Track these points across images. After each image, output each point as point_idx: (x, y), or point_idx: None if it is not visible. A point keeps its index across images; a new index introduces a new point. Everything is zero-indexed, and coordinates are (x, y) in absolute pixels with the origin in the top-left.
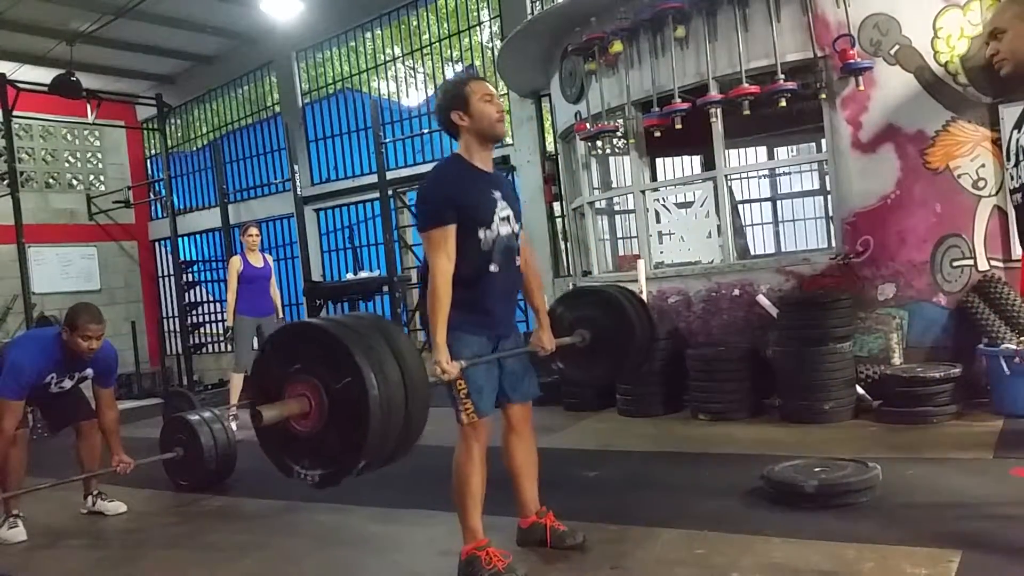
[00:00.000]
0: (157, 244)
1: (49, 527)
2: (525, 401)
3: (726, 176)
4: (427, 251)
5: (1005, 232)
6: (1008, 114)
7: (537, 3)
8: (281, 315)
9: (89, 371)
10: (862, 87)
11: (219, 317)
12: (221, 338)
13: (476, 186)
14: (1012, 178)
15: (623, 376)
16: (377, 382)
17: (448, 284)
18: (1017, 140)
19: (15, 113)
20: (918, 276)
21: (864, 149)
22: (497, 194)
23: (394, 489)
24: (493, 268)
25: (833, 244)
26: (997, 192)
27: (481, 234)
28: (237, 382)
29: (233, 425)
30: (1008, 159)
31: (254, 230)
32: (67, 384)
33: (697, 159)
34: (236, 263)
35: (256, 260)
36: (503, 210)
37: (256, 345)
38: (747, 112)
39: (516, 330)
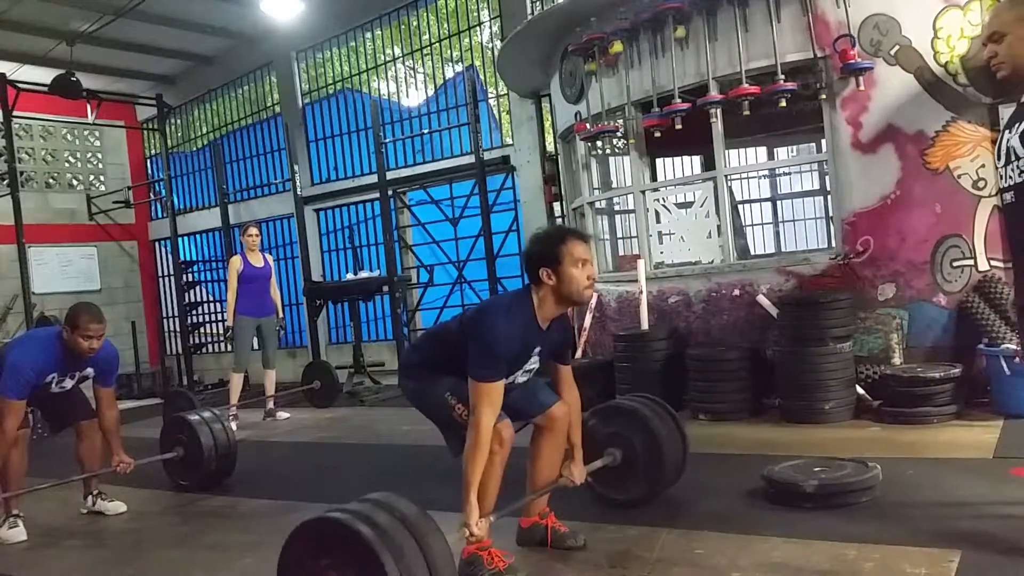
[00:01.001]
0: (157, 244)
1: (49, 527)
2: (545, 410)
3: (726, 176)
4: (473, 399)
5: (1005, 232)
6: (1007, 114)
7: (537, 3)
8: (281, 315)
9: (90, 371)
10: (862, 87)
11: (219, 317)
12: (221, 338)
13: (526, 344)
14: (1002, 178)
15: (658, 493)
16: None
17: (488, 440)
18: (1008, 140)
19: (15, 113)
20: (918, 276)
21: (864, 149)
22: (538, 349)
23: (394, 489)
24: None
25: (833, 244)
26: (997, 192)
27: None
28: (237, 382)
29: (233, 425)
30: (999, 159)
31: (254, 230)
32: (68, 384)
33: (697, 159)
34: (236, 263)
35: (256, 260)
36: (532, 363)
37: (256, 345)
38: (747, 112)
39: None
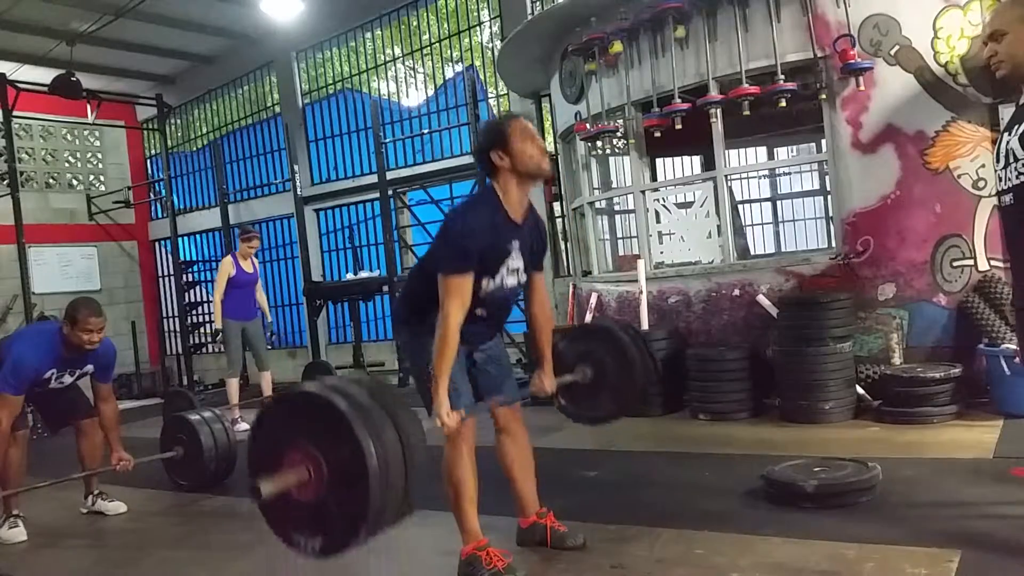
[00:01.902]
0: (157, 244)
1: (49, 527)
2: (510, 404)
3: (726, 176)
4: (442, 295)
5: (1003, 234)
6: (1007, 115)
7: (537, 3)
8: (270, 319)
9: (89, 367)
10: (862, 87)
11: (212, 318)
12: (209, 339)
13: (499, 236)
14: (1001, 180)
15: (625, 411)
16: (375, 450)
17: (458, 333)
18: (1008, 142)
19: (15, 113)
20: (918, 276)
21: (864, 149)
22: (516, 243)
23: None
24: (479, 312)
25: (833, 244)
26: (996, 194)
27: (484, 282)
28: (234, 386)
29: (244, 425)
30: (998, 161)
31: (256, 242)
32: (67, 380)
33: (697, 159)
34: (228, 267)
35: (247, 266)
36: (515, 260)
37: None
38: (747, 112)
39: (496, 336)
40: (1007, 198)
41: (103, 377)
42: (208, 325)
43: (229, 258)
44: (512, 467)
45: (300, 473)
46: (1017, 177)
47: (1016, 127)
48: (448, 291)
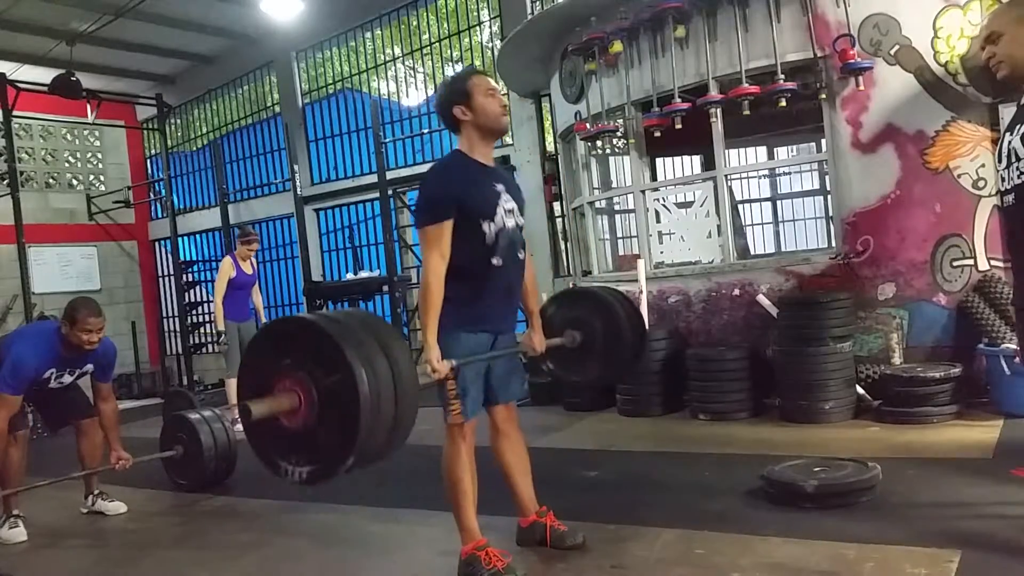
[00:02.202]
0: (157, 244)
1: (49, 527)
2: (509, 402)
3: (726, 176)
4: (421, 247)
5: (1004, 235)
6: (1008, 115)
7: (537, 3)
8: (264, 320)
9: (89, 366)
10: (862, 87)
11: (212, 318)
12: (210, 339)
13: (478, 179)
14: (1003, 180)
15: (613, 377)
16: (367, 377)
17: (440, 282)
18: (1010, 142)
19: (15, 113)
20: (918, 276)
21: (864, 149)
22: (500, 187)
23: (394, 489)
24: (496, 262)
25: (833, 244)
26: (997, 193)
27: (485, 227)
28: (233, 386)
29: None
30: (1000, 161)
31: (256, 244)
32: (67, 379)
33: (697, 159)
34: (228, 269)
35: (247, 267)
36: (507, 202)
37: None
38: (747, 112)
39: (513, 329)
40: (1009, 198)
41: (103, 377)
42: (208, 326)
43: (229, 259)
44: (510, 468)
45: (291, 399)
46: (1019, 177)
47: (1018, 127)
48: (427, 242)
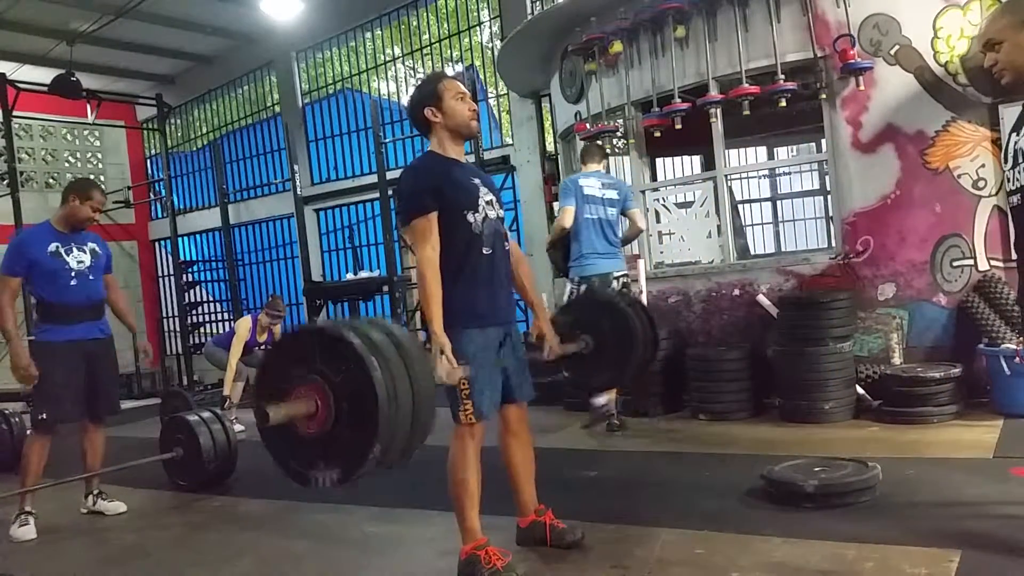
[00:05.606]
0: (157, 244)
1: (49, 527)
2: (523, 401)
3: (726, 176)
4: (412, 242)
5: (1005, 232)
6: (1008, 115)
7: (537, 3)
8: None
9: (92, 244)
10: (862, 87)
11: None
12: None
13: (454, 172)
14: (1010, 180)
15: (626, 380)
16: (380, 367)
17: (437, 272)
18: (1016, 143)
19: (15, 113)
20: (918, 276)
21: (864, 149)
22: (477, 180)
23: (394, 489)
24: (486, 251)
25: (833, 244)
26: (997, 192)
27: (470, 217)
28: (237, 388)
29: (240, 427)
30: (1006, 161)
31: (279, 323)
32: (84, 258)
33: (697, 159)
34: (245, 333)
35: (260, 335)
36: (486, 194)
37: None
38: (747, 112)
39: (516, 325)
40: (1016, 198)
41: (107, 266)
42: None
43: (248, 322)
44: (516, 468)
45: (308, 404)
46: None
47: None
48: (416, 235)
